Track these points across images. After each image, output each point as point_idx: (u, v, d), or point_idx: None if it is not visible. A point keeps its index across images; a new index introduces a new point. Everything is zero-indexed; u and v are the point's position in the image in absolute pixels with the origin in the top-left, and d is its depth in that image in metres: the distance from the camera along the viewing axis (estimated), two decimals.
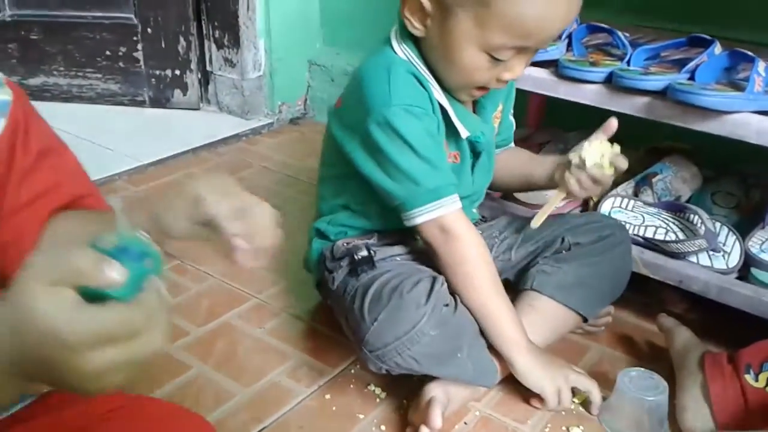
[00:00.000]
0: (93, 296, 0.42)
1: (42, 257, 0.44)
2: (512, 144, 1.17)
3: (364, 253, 0.97)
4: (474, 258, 0.94)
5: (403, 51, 0.94)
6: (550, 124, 1.50)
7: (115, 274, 0.42)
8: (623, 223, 1.13)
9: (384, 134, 0.90)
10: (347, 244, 1.02)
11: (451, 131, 0.97)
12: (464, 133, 0.97)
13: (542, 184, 1.08)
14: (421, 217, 0.93)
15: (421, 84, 0.93)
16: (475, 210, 1.11)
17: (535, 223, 1.00)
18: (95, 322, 0.42)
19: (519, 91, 1.18)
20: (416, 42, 0.93)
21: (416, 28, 0.90)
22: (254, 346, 1.09)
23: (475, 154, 1.03)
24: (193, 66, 1.91)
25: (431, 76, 0.93)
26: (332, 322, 1.10)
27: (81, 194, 0.74)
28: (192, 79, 1.93)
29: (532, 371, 0.93)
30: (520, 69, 0.90)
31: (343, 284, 0.98)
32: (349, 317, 0.95)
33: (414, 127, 0.90)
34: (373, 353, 0.89)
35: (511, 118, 1.14)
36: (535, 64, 1.16)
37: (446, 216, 0.92)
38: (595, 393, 0.96)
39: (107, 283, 0.42)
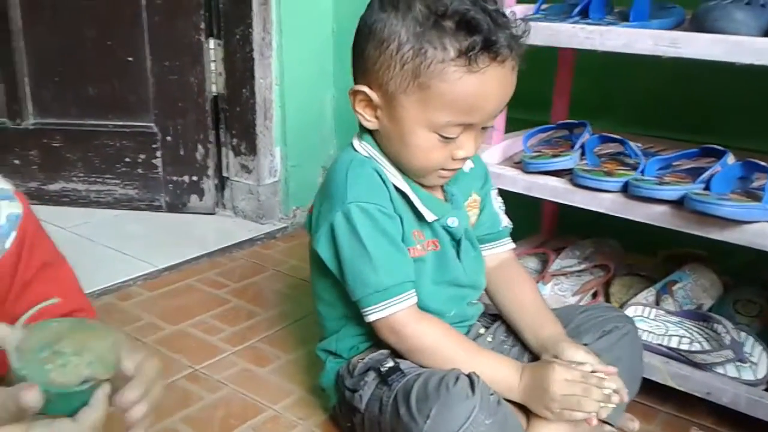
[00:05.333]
0: None
1: None
2: (508, 243, 1.13)
3: (390, 363, 0.96)
4: (430, 345, 0.96)
5: (363, 147, 0.99)
6: (564, 231, 1.51)
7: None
8: (646, 331, 1.11)
9: (341, 231, 0.94)
10: (362, 359, 1.02)
11: (423, 219, 0.99)
12: (430, 216, 0.99)
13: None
14: (372, 315, 0.96)
15: (382, 178, 0.96)
16: (476, 301, 1.09)
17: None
18: None
19: (533, 199, 1.20)
20: (374, 135, 0.98)
21: (369, 121, 0.95)
22: None
23: (456, 241, 1.03)
24: (210, 172, 1.95)
25: (392, 166, 0.98)
26: None
27: (75, 308, 0.77)
28: (209, 184, 1.97)
29: (533, 405, 0.94)
30: (471, 146, 0.94)
31: (376, 398, 0.96)
32: (395, 427, 0.92)
33: (367, 225, 0.93)
34: None
35: (498, 210, 1.12)
36: (549, 173, 1.19)
37: (395, 315, 0.95)
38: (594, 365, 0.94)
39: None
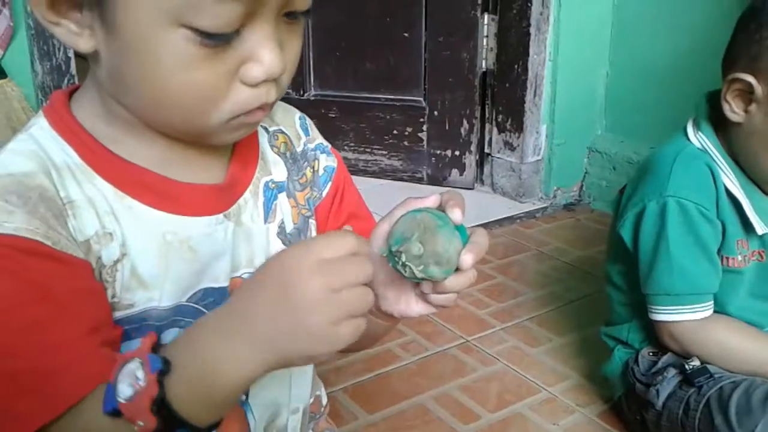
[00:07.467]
0: None
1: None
2: None
3: (696, 362, 0.90)
4: (719, 353, 0.91)
5: (699, 138, 0.91)
6: None
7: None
8: None
9: (649, 221, 0.90)
10: (655, 353, 0.97)
11: (751, 226, 0.90)
12: (761, 229, 0.89)
13: None
14: (656, 315, 0.92)
15: (713, 176, 0.88)
16: None
17: None
18: None
19: None
20: (718, 129, 0.90)
21: (735, 113, 0.86)
22: None
23: None
24: (472, 147, 1.97)
25: (728, 166, 0.89)
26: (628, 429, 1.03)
27: None
28: (470, 160, 1.99)
29: None
30: None
31: (678, 397, 0.91)
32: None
33: (680, 224, 0.87)
34: None
35: None
36: None
37: (678, 324, 0.90)
38: None
39: None
